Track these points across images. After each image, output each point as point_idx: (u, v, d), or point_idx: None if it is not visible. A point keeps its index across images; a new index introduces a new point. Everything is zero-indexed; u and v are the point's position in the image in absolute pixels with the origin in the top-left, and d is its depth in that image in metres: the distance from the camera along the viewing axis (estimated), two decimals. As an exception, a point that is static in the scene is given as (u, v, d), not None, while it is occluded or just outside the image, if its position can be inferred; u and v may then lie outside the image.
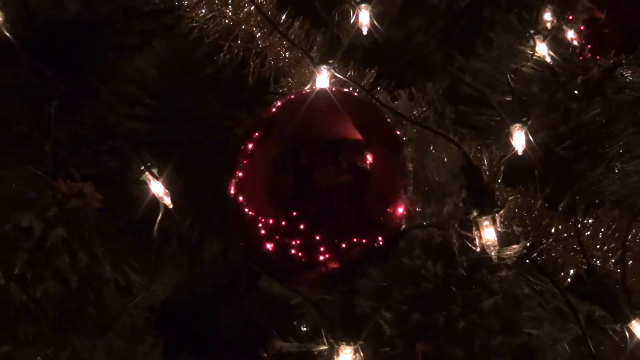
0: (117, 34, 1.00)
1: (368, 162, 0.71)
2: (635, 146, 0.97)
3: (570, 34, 1.08)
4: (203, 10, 0.89)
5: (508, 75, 0.98)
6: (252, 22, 0.89)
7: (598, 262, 0.87)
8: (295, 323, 0.87)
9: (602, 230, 0.89)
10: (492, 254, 0.73)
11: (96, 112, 0.94)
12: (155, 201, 0.84)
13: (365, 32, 0.91)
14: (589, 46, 1.07)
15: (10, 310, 0.79)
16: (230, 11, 0.89)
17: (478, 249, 0.74)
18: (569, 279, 0.86)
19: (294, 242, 0.70)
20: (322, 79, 0.82)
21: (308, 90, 0.80)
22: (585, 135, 0.96)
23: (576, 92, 0.97)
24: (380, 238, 0.72)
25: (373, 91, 0.90)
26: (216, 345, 1.00)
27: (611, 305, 0.80)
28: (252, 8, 0.89)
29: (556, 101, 0.98)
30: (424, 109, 0.94)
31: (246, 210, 0.71)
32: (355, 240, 0.71)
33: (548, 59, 1.00)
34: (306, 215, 0.70)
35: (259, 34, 0.89)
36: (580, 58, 1.01)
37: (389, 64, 1.02)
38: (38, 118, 0.95)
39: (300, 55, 0.89)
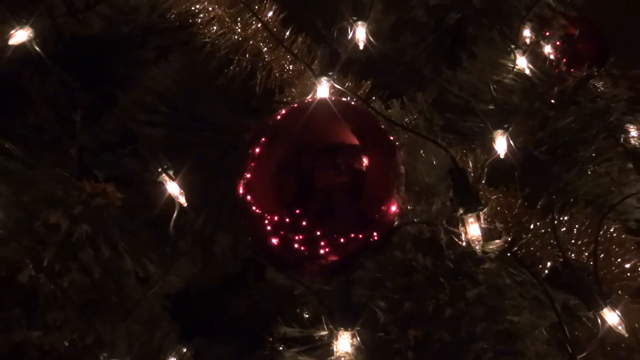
0: (137, 48, 1.00)
1: (364, 164, 0.71)
2: (605, 150, 0.97)
3: (547, 49, 1.08)
4: (214, 27, 0.89)
5: (491, 86, 0.99)
6: (259, 38, 0.89)
7: (572, 255, 0.87)
8: (297, 310, 0.86)
9: (576, 226, 0.89)
10: (477, 248, 0.73)
11: (117, 119, 0.94)
12: (171, 200, 0.84)
13: (361, 47, 0.91)
14: (564, 60, 1.07)
15: (40, 299, 0.79)
16: (239, 28, 0.89)
17: (464, 244, 0.74)
18: (546, 271, 0.86)
19: (297, 237, 0.70)
20: (323, 90, 0.82)
21: (310, 100, 0.81)
22: (560, 140, 0.96)
23: (553, 101, 0.97)
24: (375, 233, 0.72)
25: (368, 100, 0.90)
26: (226, 330, 1.00)
27: (585, 294, 0.80)
28: (259, 25, 0.89)
29: (534, 109, 0.98)
30: (415, 116, 0.94)
31: (253, 208, 0.71)
32: (352, 235, 0.71)
33: (527, 71, 1.00)
34: (308, 212, 0.70)
35: (265, 49, 0.89)
36: (557, 70, 1.01)
37: (383, 76, 1.02)
38: (65, 125, 0.95)
39: (302, 67, 0.89)
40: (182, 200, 0.84)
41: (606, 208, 0.93)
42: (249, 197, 0.71)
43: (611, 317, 0.79)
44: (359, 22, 0.91)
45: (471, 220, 0.74)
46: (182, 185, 0.85)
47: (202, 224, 0.92)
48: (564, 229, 0.88)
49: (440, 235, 0.74)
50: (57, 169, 0.86)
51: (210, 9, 0.89)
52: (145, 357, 0.82)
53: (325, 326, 0.74)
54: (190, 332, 0.92)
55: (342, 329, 0.73)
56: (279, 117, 0.75)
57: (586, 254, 0.87)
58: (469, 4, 1.04)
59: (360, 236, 0.71)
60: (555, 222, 0.87)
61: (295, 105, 0.79)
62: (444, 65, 1.06)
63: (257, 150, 0.73)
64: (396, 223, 0.74)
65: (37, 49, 0.85)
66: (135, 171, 0.91)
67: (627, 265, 0.91)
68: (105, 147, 0.94)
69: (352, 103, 0.85)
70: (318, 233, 0.69)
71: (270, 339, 0.86)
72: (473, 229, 0.74)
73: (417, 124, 0.93)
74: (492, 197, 0.88)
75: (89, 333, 0.81)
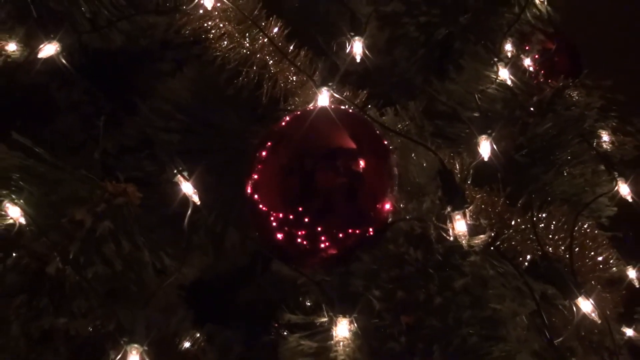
0: (155, 61, 1.00)
1: (361, 166, 0.71)
2: (580, 154, 0.97)
3: (527, 62, 1.08)
4: (225, 42, 0.89)
5: (475, 95, 0.99)
6: (265, 52, 0.89)
7: (550, 249, 0.87)
8: (300, 299, 0.86)
9: (553, 222, 0.89)
10: (463, 242, 0.73)
11: (137, 125, 0.94)
12: (185, 199, 0.84)
13: (358, 60, 0.91)
14: (542, 72, 1.08)
15: (67, 288, 0.79)
16: (247, 43, 0.89)
17: (451, 238, 0.74)
18: (526, 263, 0.86)
19: (299, 233, 0.70)
20: (323, 99, 0.82)
21: (311, 108, 0.81)
22: (539, 144, 0.96)
23: (532, 109, 0.97)
24: (370, 229, 0.72)
25: (365, 108, 0.90)
26: (235, 317, 1.00)
27: (561, 284, 0.80)
28: (265, 40, 0.89)
29: (515, 117, 0.98)
30: (407, 123, 0.94)
31: (260, 206, 0.71)
32: (350, 231, 0.71)
33: (509, 82, 1.00)
34: (310, 210, 0.70)
35: (271, 62, 0.89)
36: (535, 81, 1.01)
37: (378, 86, 1.01)
38: (89, 131, 0.95)
39: (305, 78, 0.89)
40: (196, 199, 0.84)
41: (580, 206, 0.92)
42: (256, 196, 0.72)
43: (585, 305, 0.79)
44: (356, 37, 0.91)
45: (458, 217, 0.74)
46: (196, 186, 0.84)
47: (213, 221, 0.92)
48: (542, 225, 0.89)
49: (430, 230, 0.74)
50: (82, 170, 0.85)
51: (221, 25, 0.89)
52: (162, 342, 0.82)
53: (325, 313, 0.74)
54: (203, 319, 0.92)
55: (340, 315, 0.73)
56: (283, 123, 0.75)
57: (562, 247, 0.87)
58: (456, 21, 1.04)
59: (357, 231, 0.71)
60: (534, 219, 0.87)
61: (298, 112, 0.79)
62: (433, 77, 1.06)
63: (264, 153, 0.73)
64: (390, 220, 0.74)
65: (63, 61, 0.85)
66: (153, 173, 0.91)
67: (600, 258, 0.91)
68: (126, 150, 0.95)
69: (350, 111, 0.85)
70: (319, 229, 0.70)
71: (276, 325, 0.86)
72: (460, 225, 0.74)
73: (409, 129, 0.93)
74: (477, 196, 0.88)
75: (110, 320, 0.81)
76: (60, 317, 0.79)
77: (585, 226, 0.91)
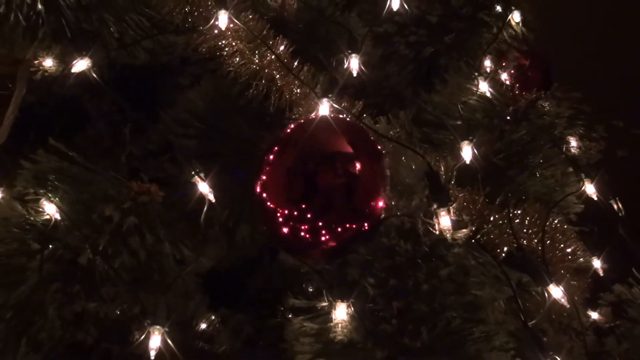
0: (175, 75, 0.99)
1: (357, 168, 0.71)
2: (551, 157, 0.96)
3: (504, 76, 1.08)
4: (237, 59, 0.88)
5: (458, 106, 0.98)
6: (272, 67, 0.89)
7: (524, 241, 0.87)
8: (303, 286, 0.86)
9: (528, 218, 0.89)
10: (447, 235, 0.73)
11: (159, 132, 0.94)
12: (202, 197, 0.84)
13: (355, 75, 0.91)
14: (517, 85, 1.07)
15: (97, 277, 0.79)
16: (256, 59, 0.88)
17: (437, 232, 0.73)
18: (503, 254, 0.86)
19: (303, 227, 0.70)
20: (324, 108, 0.82)
21: (313, 117, 0.81)
22: (515, 149, 0.96)
23: (508, 118, 0.97)
24: (365, 224, 0.72)
25: (360, 117, 0.90)
26: (246, 302, 1.00)
27: (534, 273, 0.79)
28: (272, 57, 0.88)
29: (493, 125, 0.97)
30: (398, 130, 0.94)
31: (268, 203, 0.71)
32: (347, 225, 0.71)
33: (488, 94, 1.00)
34: (312, 207, 0.70)
35: (278, 76, 0.88)
36: (511, 93, 1.01)
37: (372, 97, 1.01)
38: (117, 137, 0.95)
39: (307, 91, 0.88)
40: (211, 197, 0.84)
41: (551, 204, 0.92)
42: (264, 195, 0.71)
43: (555, 292, 0.78)
44: (353, 55, 0.91)
45: (443, 213, 0.73)
46: (211, 185, 0.85)
47: (226, 217, 0.92)
48: (518, 220, 0.88)
49: (418, 225, 0.74)
50: (111, 172, 0.85)
51: (233, 44, 0.89)
52: (181, 324, 0.82)
53: (325, 298, 0.74)
54: (217, 304, 0.91)
55: (339, 300, 0.73)
56: (288, 130, 0.75)
57: (535, 240, 0.87)
58: (441, 40, 1.04)
59: (354, 226, 0.71)
60: (511, 215, 0.87)
61: (302, 121, 0.78)
62: (421, 89, 1.06)
63: (271, 157, 0.72)
64: (383, 215, 0.74)
65: (94, 76, 0.85)
66: (173, 174, 0.91)
67: (568, 250, 0.91)
68: (150, 154, 0.94)
69: (348, 119, 0.84)
70: (320, 224, 0.69)
71: (281, 309, 0.86)
72: (444, 221, 0.73)
73: (400, 135, 0.93)
74: (460, 195, 0.88)
75: (135, 304, 0.81)
76: (91, 302, 0.79)
77: (556, 221, 0.91)
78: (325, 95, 0.83)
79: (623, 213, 0.92)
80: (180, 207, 0.86)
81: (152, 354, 0.75)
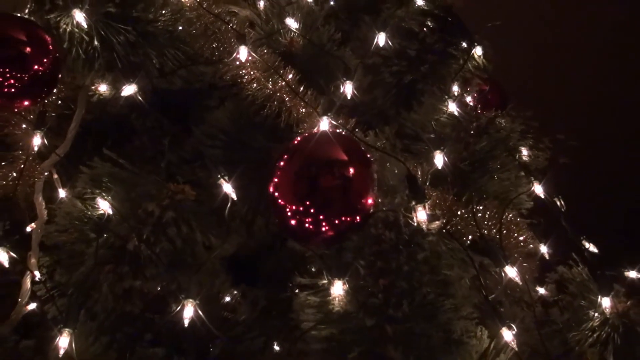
0: (204, 98, 1.00)
1: (350, 172, 0.71)
2: (506, 164, 0.97)
3: (468, 98, 1.08)
4: (254, 85, 0.89)
5: (432, 122, 0.99)
6: (283, 92, 0.89)
7: (485, 231, 0.87)
8: (308, 267, 0.86)
9: (488, 213, 0.88)
10: (423, 226, 0.73)
11: (192, 144, 0.94)
12: (226, 196, 0.84)
13: (349, 97, 0.91)
14: (479, 105, 1.08)
15: (141, 260, 0.79)
16: (270, 85, 0.89)
17: (415, 224, 0.74)
18: (468, 242, 0.86)
19: (307, 220, 0.69)
20: (324, 125, 0.82)
21: (315, 131, 0.81)
22: (477, 157, 0.96)
23: (472, 132, 0.97)
24: (358, 217, 0.71)
25: (353, 131, 0.90)
26: (262, 280, 0.99)
27: (493, 257, 0.80)
28: (283, 83, 0.89)
29: (460, 137, 0.97)
30: (384, 142, 0.93)
31: (279, 200, 0.71)
32: (343, 218, 0.70)
33: (456, 113, 1.00)
34: (314, 203, 0.69)
35: (287, 98, 0.89)
36: (474, 112, 1.01)
37: (362, 116, 1.01)
38: (158, 147, 0.95)
39: (311, 111, 0.88)
40: (234, 196, 0.84)
41: (507, 201, 0.92)
42: (276, 194, 0.71)
43: (510, 272, 0.79)
44: (347, 81, 0.91)
45: (420, 209, 0.74)
46: (233, 186, 0.85)
47: (246, 211, 0.92)
48: (480, 214, 0.88)
49: (400, 218, 0.74)
50: (153, 175, 0.86)
51: (251, 73, 0.89)
52: (209, 297, 0.82)
53: (325, 277, 0.74)
54: (238, 281, 0.91)
55: (336, 279, 0.73)
56: (296, 142, 0.75)
57: (494, 230, 0.86)
58: (418, 70, 1.03)
59: (349, 219, 0.70)
60: (474, 210, 0.87)
61: (307, 134, 0.78)
62: (402, 109, 1.06)
63: (282, 163, 0.72)
64: (371, 210, 0.73)
65: (140, 98, 0.86)
66: (203, 177, 0.91)
67: (521, 238, 0.91)
68: (184, 161, 0.94)
69: (343, 133, 0.84)
70: (321, 217, 0.69)
71: (290, 285, 0.86)
72: (421, 215, 0.74)
73: (385, 146, 0.93)
74: (433, 194, 0.88)
75: (172, 282, 0.81)
76: (137, 280, 0.79)
77: (511, 215, 0.91)
78: (325, 114, 0.83)
79: (564, 208, 0.92)
80: (209, 204, 0.86)
81: (186, 321, 0.75)
